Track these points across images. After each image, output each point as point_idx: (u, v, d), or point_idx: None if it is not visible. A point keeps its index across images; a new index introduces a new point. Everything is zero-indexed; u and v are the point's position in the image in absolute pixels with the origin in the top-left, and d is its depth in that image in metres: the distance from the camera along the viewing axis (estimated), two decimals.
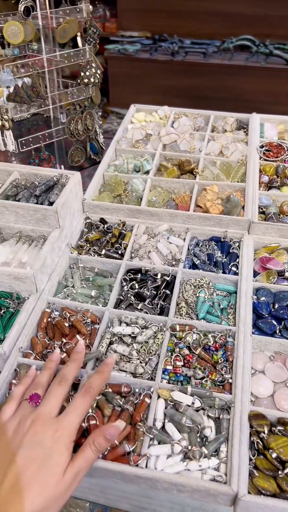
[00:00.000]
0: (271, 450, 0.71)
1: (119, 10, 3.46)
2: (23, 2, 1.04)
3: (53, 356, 0.79)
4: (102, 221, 1.15)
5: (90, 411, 0.77)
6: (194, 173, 1.28)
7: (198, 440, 0.74)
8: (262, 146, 1.34)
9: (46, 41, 1.22)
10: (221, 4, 3.18)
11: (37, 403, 0.68)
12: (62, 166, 1.39)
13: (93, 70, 1.25)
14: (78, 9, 1.18)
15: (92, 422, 0.75)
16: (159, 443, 0.74)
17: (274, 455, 0.70)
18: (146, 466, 0.71)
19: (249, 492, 0.67)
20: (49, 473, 0.60)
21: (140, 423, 0.75)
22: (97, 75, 1.27)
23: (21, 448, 0.61)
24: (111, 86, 3.48)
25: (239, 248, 1.08)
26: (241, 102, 3.18)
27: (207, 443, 0.74)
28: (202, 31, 3.36)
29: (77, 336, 0.89)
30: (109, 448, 0.73)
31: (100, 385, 0.73)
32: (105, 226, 1.14)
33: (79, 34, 1.20)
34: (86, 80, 1.25)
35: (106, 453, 0.73)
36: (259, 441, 0.73)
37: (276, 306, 0.94)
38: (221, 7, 3.21)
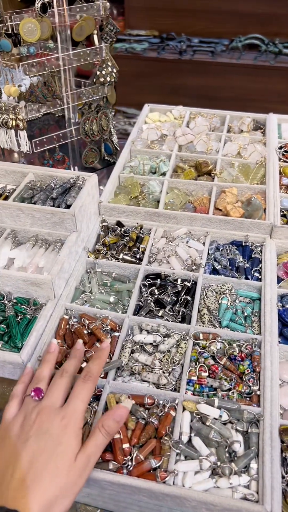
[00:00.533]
0: None
1: (127, 8, 3.42)
2: None
3: (50, 348, 0.79)
4: (119, 224, 1.12)
5: None
6: (212, 174, 1.25)
7: (227, 455, 0.71)
8: (281, 147, 1.31)
9: (61, 39, 1.19)
10: (229, 2, 3.15)
11: (41, 397, 0.68)
12: (76, 167, 1.36)
13: (109, 69, 1.22)
14: (94, 6, 1.15)
15: (116, 436, 0.72)
16: (185, 458, 0.71)
17: None
18: (174, 483, 0.68)
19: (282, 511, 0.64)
20: (60, 461, 0.59)
21: (166, 437, 0.72)
22: (113, 74, 1.23)
23: (28, 440, 0.61)
24: (118, 85, 3.43)
25: (261, 252, 1.05)
26: (250, 102, 3.15)
27: (236, 458, 0.71)
28: (210, 30, 3.32)
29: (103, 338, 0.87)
30: (134, 463, 0.70)
31: (99, 370, 0.73)
32: (122, 229, 1.10)
33: (95, 32, 1.17)
34: (102, 79, 1.22)
35: (131, 468, 0.70)
36: None
37: None
38: (230, 6, 3.17)
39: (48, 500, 0.56)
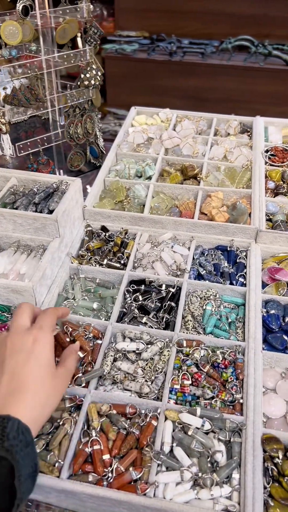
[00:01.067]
0: (286, 478, 0.67)
1: (117, 9, 3.41)
2: (21, 1, 1.00)
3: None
4: (104, 229, 1.11)
5: (94, 434, 0.72)
6: (198, 178, 1.24)
7: (209, 465, 0.70)
8: (267, 151, 1.31)
9: (44, 42, 1.17)
10: (219, 4, 3.15)
11: (7, 327, 0.72)
12: (61, 171, 1.34)
13: (94, 72, 1.21)
14: (78, 9, 1.13)
15: (96, 447, 0.71)
16: (167, 469, 0.70)
17: None
18: (154, 495, 0.67)
19: None
20: (41, 368, 0.64)
21: (147, 448, 0.71)
22: (98, 77, 1.22)
23: (5, 360, 0.64)
24: (109, 86, 3.43)
25: (246, 257, 1.05)
26: (239, 103, 3.15)
27: (218, 468, 0.70)
28: (200, 31, 3.32)
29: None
30: (115, 475, 0.69)
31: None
32: (107, 234, 1.09)
33: (79, 34, 1.16)
34: (86, 82, 1.20)
35: (111, 480, 0.68)
36: (274, 467, 0.69)
37: (287, 319, 0.91)
38: (220, 7, 3.17)
39: (39, 403, 0.62)
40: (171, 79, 3.27)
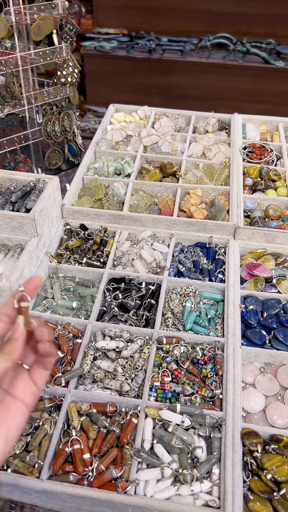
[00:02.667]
0: (265, 471, 0.68)
1: (95, 6, 3.39)
2: None
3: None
4: (83, 227, 1.10)
5: (74, 434, 0.72)
6: (177, 176, 1.24)
7: (189, 461, 0.71)
8: (245, 148, 1.32)
9: (20, 38, 1.16)
10: (198, 1, 3.16)
11: None
12: (39, 169, 1.33)
13: (70, 69, 1.20)
14: (53, 5, 1.12)
15: (76, 446, 0.71)
16: (147, 466, 0.70)
17: (268, 476, 0.67)
18: (135, 492, 0.67)
19: None
20: None
21: (127, 446, 0.71)
22: (75, 74, 1.21)
23: None
24: (88, 84, 3.41)
25: (225, 254, 1.05)
26: (218, 100, 3.17)
27: (198, 464, 0.71)
28: (178, 29, 3.33)
29: (58, 352, 0.85)
30: (95, 474, 0.69)
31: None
32: (86, 232, 1.09)
33: (54, 31, 1.15)
34: (63, 80, 1.19)
35: (92, 479, 0.68)
36: (253, 461, 0.70)
37: (265, 314, 0.92)
38: (198, 5, 3.18)
39: None
40: (151, 76, 3.27)
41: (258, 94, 3.13)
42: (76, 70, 1.22)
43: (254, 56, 3.11)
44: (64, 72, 1.19)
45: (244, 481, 0.68)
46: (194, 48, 3.23)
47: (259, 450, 0.70)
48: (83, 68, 3.42)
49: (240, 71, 3.09)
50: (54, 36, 1.14)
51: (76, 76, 1.22)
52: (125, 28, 3.41)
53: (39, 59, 1.16)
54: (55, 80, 1.21)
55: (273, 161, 1.29)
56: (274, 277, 0.99)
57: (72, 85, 1.24)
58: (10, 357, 0.48)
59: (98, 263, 1.03)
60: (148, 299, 0.95)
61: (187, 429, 0.74)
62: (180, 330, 0.91)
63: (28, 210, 0.99)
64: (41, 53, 1.14)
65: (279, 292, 0.97)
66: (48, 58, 1.16)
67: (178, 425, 0.73)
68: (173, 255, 1.05)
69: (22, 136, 1.22)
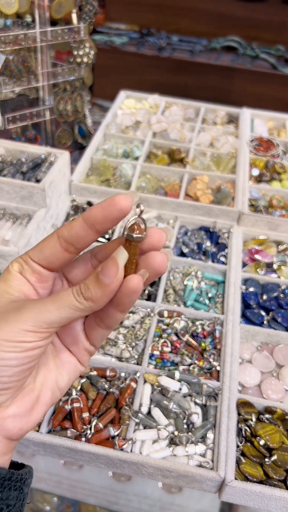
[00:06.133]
0: (258, 437, 0.70)
1: (108, 1, 3.42)
2: None
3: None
4: (89, 204, 1.12)
5: (74, 393, 0.74)
6: (184, 162, 1.26)
7: (185, 426, 0.73)
8: (252, 141, 1.34)
9: (40, 16, 1.17)
10: (210, 3, 3.20)
11: None
12: (49, 147, 1.34)
13: (87, 50, 1.22)
14: None
15: (76, 404, 0.72)
16: (144, 428, 0.72)
17: (261, 442, 0.69)
18: (131, 451, 0.69)
19: (235, 478, 0.66)
20: None
21: (125, 407, 0.73)
22: (90, 55, 1.23)
23: None
24: (96, 78, 3.42)
25: (228, 238, 1.08)
26: (225, 103, 3.20)
27: (193, 429, 0.73)
28: (189, 29, 3.36)
29: None
30: (93, 431, 0.70)
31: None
32: None
33: (74, 10, 1.17)
34: (78, 60, 1.21)
35: (90, 436, 0.70)
36: (247, 428, 0.72)
37: (264, 297, 0.94)
38: (210, 6, 3.22)
39: None
40: (159, 74, 3.30)
41: (265, 99, 3.17)
42: (92, 52, 1.24)
43: (262, 62, 3.15)
44: (81, 52, 1.21)
45: (238, 446, 0.70)
46: (203, 49, 3.27)
47: (253, 419, 0.73)
48: None
49: (248, 75, 3.13)
50: (74, 16, 1.16)
51: (91, 58, 1.24)
52: (137, 25, 3.44)
53: (56, 37, 1.18)
54: (71, 60, 1.23)
55: (279, 155, 1.32)
56: (275, 263, 1.01)
57: (87, 66, 1.26)
58: (92, 303, 0.34)
59: (103, 239, 1.05)
60: None
61: (184, 396, 0.76)
62: (181, 306, 0.93)
63: (37, 182, 1.00)
64: (59, 32, 1.16)
65: (279, 277, 0.99)
66: (66, 37, 1.18)
67: (176, 391, 0.75)
68: (177, 237, 1.07)
69: (34, 113, 1.24)
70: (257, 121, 1.49)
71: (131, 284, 0.34)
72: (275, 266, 1.00)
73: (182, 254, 1.04)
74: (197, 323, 0.87)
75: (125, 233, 0.35)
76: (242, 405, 0.74)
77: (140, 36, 3.43)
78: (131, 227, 0.35)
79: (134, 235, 0.34)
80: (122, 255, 0.34)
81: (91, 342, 0.39)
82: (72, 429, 0.70)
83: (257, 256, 1.01)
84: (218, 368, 0.80)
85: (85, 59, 1.22)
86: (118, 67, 3.41)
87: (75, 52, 1.21)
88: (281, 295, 0.94)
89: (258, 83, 3.20)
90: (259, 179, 1.23)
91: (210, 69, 3.26)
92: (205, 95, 3.29)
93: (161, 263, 0.35)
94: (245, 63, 3.23)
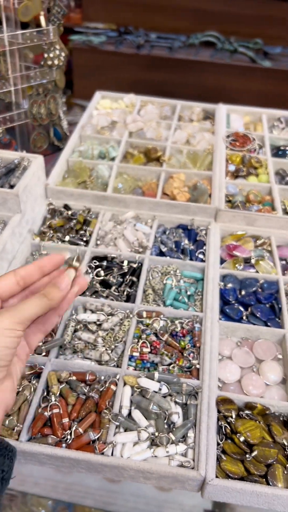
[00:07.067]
0: (238, 434, 0.70)
1: (84, 0, 3.40)
2: None
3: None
4: (66, 207, 1.12)
5: (53, 399, 0.73)
6: (161, 161, 1.26)
7: (166, 426, 0.73)
8: (228, 136, 1.34)
9: (7, 21, 1.16)
10: None
11: None
12: (24, 152, 1.33)
13: (57, 52, 1.21)
14: None
15: (56, 410, 0.72)
16: (125, 431, 0.72)
17: (241, 438, 0.70)
18: (112, 454, 0.69)
19: (217, 476, 0.66)
20: None
21: (105, 411, 0.73)
22: (61, 57, 1.22)
23: None
24: (76, 78, 3.41)
25: (206, 235, 1.08)
26: (205, 98, 3.19)
27: (174, 429, 0.73)
28: (167, 26, 3.36)
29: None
30: (73, 437, 0.70)
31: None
32: (69, 212, 1.10)
33: (42, 13, 1.16)
34: (49, 62, 1.20)
35: (70, 441, 0.70)
36: (227, 425, 0.72)
37: (243, 292, 0.94)
38: (188, 2, 3.22)
39: None
40: (139, 72, 3.29)
41: (245, 93, 3.17)
42: (63, 54, 1.23)
43: (241, 56, 3.15)
44: (51, 55, 1.20)
45: (218, 444, 0.70)
46: (182, 45, 3.26)
47: (233, 416, 0.73)
48: (71, 62, 3.43)
49: (227, 69, 3.13)
50: (42, 18, 1.15)
51: (63, 60, 1.23)
52: (114, 23, 3.43)
53: (26, 40, 1.17)
54: (42, 63, 1.22)
55: (255, 149, 1.32)
56: (253, 258, 1.01)
57: (59, 69, 1.25)
58: (50, 301, 0.52)
59: (81, 242, 1.04)
60: (130, 276, 0.97)
61: (164, 397, 0.76)
62: (160, 306, 0.93)
63: (11, 187, 1.00)
64: (28, 35, 1.15)
65: (257, 272, 1.00)
66: (35, 40, 1.17)
67: (155, 392, 0.75)
68: (155, 236, 1.07)
69: (7, 117, 1.23)
70: (233, 116, 1.49)
71: (73, 290, 0.56)
72: (253, 261, 1.00)
73: (161, 253, 1.04)
74: (176, 322, 0.87)
75: (69, 262, 0.57)
76: (222, 402, 0.75)
77: (118, 34, 3.42)
78: (73, 259, 0.57)
79: (74, 264, 0.57)
80: (71, 274, 0.56)
81: (30, 347, 0.57)
82: (52, 436, 0.70)
83: (235, 252, 1.01)
84: (197, 366, 0.80)
85: (56, 62, 1.21)
86: (98, 67, 3.40)
87: (46, 55, 1.20)
88: (260, 290, 0.95)
89: (238, 77, 3.20)
90: (236, 175, 1.23)
91: (189, 65, 3.26)
92: (186, 91, 3.29)
93: (84, 283, 0.58)
94: (224, 58, 3.23)
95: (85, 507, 1.06)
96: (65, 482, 1.00)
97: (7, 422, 0.71)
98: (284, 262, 1.03)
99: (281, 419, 0.75)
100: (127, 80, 3.33)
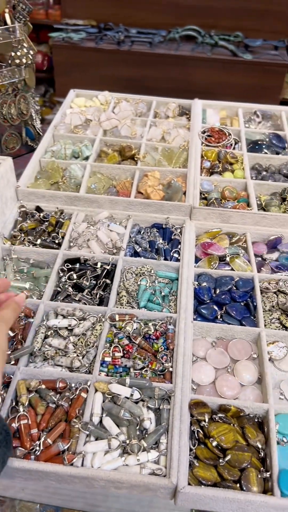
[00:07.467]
0: (211, 439, 0.69)
1: None
2: None
3: None
4: (38, 209, 1.09)
5: (22, 410, 0.71)
6: (136, 159, 1.24)
7: (138, 433, 0.71)
8: (204, 132, 1.32)
9: None
10: None
11: None
12: None
13: (25, 50, 1.18)
14: None
15: (24, 421, 0.70)
16: (96, 439, 0.70)
17: (214, 443, 0.68)
18: (83, 465, 0.67)
19: (189, 484, 0.64)
20: None
21: (75, 420, 0.71)
22: (30, 55, 1.19)
23: None
24: (57, 76, 3.37)
25: (181, 234, 1.06)
26: (187, 93, 3.16)
27: (146, 435, 0.71)
28: (147, 21, 3.32)
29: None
30: (42, 448, 0.68)
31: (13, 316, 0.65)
32: (41, 214, 1.07)
33: (7, 10, 1.12)
34: (17, 61, 1.17)
35: (38, 453, 0.68)
36: (200, 430, 0.70)
37: (218, 291, 0.93)
38: None
39: None
40: (120, 68, 3.26)
41: (226, 87, 3.16)
42: (31, 52, 1.20)
43: (222, 49, 3.13)
44: (19, 53, 1.17)
45: (191, 449, 0.69)
46: (162, 40, 3.23)
47: (207, 420, 0.71)
48: (51, 59, 3.39)
49: (208, 63, 3.11)
50: (7, 16, 1.12)
51: (31, 58, 1.20)
52: (94, 20, 3.38)
53: None
54: (10, 62, 1.19)
55: (231, 144, 1.30)
56: (228, 255, 1.00)
57: (28, 67, 1.22)
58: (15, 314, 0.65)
59: (53, 245, 1.02)
60: (103, 279, 0.95)
61: (136, 402, 0.74)
62: (134, 308, 0.91)
63: None
64: None
65: (232, 269, 0.98)
66: (1, 38, 1.14)
67: (127, 398, 0.73)
68: (130, 236, 1.05)
69: None
70: (209, 111, 1.47)
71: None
72: (227, 259, 0.99)
73: (136, 254, 1.02)
74: (150, 324, 0.85)
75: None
76: (195, 405, 0.73)
77: (98, 30, 3.38)
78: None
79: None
80: (24, 297, 0.70)
81: None
82: (20, 448, 0.68)
83: (210, 250, 1.00)
84: (171, 369, 0.79)
85: (24, 60, 1.18)
86: (78, 64, 3.35)
87: (13, 53, 1.17)
88: (234, 288, 0.93)
89: (219, 70, 3.18)
90: (211, 171, 1.21)
91: (170, 59, 3.23)
92: (166, 86, 3.26)
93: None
94: (205, 52, 3.21)
95: (74, 510, 1.05)
96: (53, 486, 0.98)
97: None
98: (259, 258, 1.02)
99: (256, 420, 0.74)
100: (108, 76, 3.29)
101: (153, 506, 0.96)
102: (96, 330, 0.84)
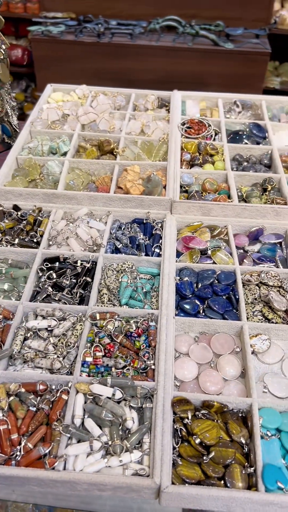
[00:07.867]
0: (195, 436, 0.68)
1: None
2: None
3: None
4: (15, 208, 1.07)
5: (1, 415, 0.70)
6: (115, 153, 1.22)
7: (120, 433, 0.70)
8: (183, 124, 1.31)
9: None
10: None
11: None
12: None
13: None
14: None
15: (3, 426, 0.69)
16: (78, 442, 0.69)
17: (197, 440, 0.67)
18: (64, 468, 0.66)
19: (173, 483, 0.64)
20: None
21: (56, 423, 0.70)
22: (2, 50, 1.16)
23: None
24: (37, 70, 3.31)
25: (162, 228, 1.04)
26: (170, 84, 3.13)
27: (129, 435, 0.70)
28: (127, 12, 3.28)
29: None
30: (23, 453, 0.67)
31: None
32: (19, 213, 1.05)
33: None
34: None
35: (19, 458, 0.66)
36: (183, 427, 0.69)
37: (200, 285, 0.92)
38: None
39: None
40: (101, 61, 3.21)
41: (208, 76, 3.13)
42: (3, 46, 1.17)
43: (203, 39, 3.10)
44: None
45: (174, 448, 0.68)
46: (143, 31, 3.19)
47: (190, 417, 0.70)
48: (31, 54, 3.33)
49: (190, 53, 3.08)
50: None
51: (3, 53, 1.17)
52: (73, 12, 3.33)
53: None
54: None
55: (211, 136, 1.29)
56: (209, 249, 0.99)
57: (0, 62, 1.19)
58: None
59: (32, 244, 1.00)
60: (84, 277, 0.93)
61: (119, 402, 0.73)
62: (116, 305, 0.89)
63: None
64: None
65: (214, 263, 0.97)
66: None
67: (109, 398, 0.72)
68: (110, 232, 1.04)
69: None
70: (189, 103, 1.45)
71: None
72: (209, 252, 0.98)
73: (117, 250, 1.01)
74: (131, 321, 0.84)
75: None
76: (178, 403, 0.72)
77: (78, 23, 3.32)
78: None
79: None
80: None
81: None
82: (0, 454, 0.66)
83: (191, 244, 0.98)
84: (153, 367, 0.78)
85: None
86: (59, 57, 3.30)
87: None
88: (216, 282, 0.92)
89: (201, 60, 3.16)
90: (191, 163, 1.20)
91: (152, 50, 3.19)
92: (148, 77, 3.23)
93: None
94: (186, 42, 3.18)
95: (66, 509, 1.04)
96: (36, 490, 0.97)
97: None
98: (241, 250, 1.01)
99: (239, 415, 0.73)
100: (89, 69, 3.25)
101: (146, 501, 0.96)
102: (77, 330, 0.83)
